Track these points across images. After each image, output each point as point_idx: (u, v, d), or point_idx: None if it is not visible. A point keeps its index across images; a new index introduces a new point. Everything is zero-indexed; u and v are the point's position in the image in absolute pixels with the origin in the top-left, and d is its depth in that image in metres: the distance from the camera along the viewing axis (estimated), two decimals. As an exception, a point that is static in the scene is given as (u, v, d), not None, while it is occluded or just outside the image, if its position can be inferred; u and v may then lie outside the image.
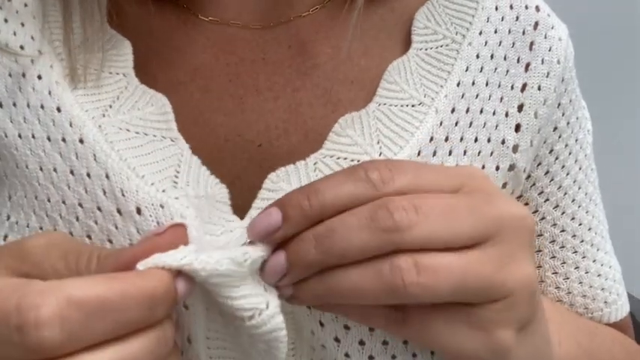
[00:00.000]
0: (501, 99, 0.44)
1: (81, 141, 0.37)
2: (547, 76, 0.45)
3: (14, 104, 0.38)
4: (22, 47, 0.39)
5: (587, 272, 0.50)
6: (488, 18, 0.45)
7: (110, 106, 0.37)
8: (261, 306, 0.29)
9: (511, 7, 0.46)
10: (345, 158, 0.39)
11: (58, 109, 0.37)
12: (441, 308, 0.30)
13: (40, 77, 0.38)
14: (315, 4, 0.42)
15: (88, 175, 0.36)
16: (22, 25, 0.39)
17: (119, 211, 0.35)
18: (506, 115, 0.44)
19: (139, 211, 0.35)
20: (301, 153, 0.39)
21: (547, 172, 0.48)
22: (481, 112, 0.43)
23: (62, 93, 0.38)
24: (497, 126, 0.44)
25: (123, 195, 0.35)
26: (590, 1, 1.28)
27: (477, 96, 0.43)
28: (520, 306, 0.31)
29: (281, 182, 0.37)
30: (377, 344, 0.37)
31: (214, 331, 0.36)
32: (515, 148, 0.44)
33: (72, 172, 0.36)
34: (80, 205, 0.36)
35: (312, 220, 0.29)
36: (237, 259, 0.29)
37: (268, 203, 0.32)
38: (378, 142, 0.40)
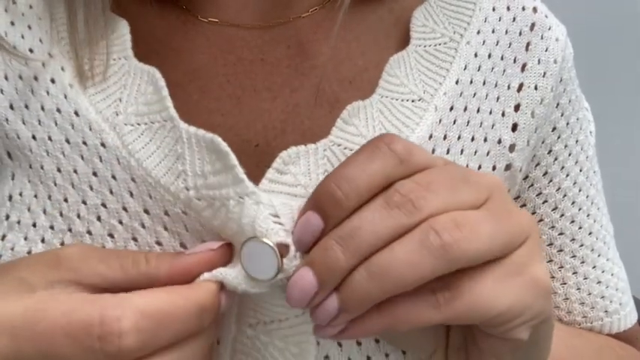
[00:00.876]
0: (498, 98, 0.44)
1: (103, 145, 0.37)
2: (543, 76, 0.45)
3: (26, 106, 0.38)
4: (31, 50, 0.39)
5: (585, 278, 0.49)
6: (485, 18, 0.44)
7: (120, 100, 0.38)
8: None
9: (508, 8, 0.45)
10: (352, 149, 0.38)
11: (76, 113, 0.38)
12: (481, 270, 0.29)
13: (53, 81, 0.38)
14: (313, 5, 0.42)
15: (114, 177, 0.37)
16: (29, 27, 0.39)
17: (146, 212, 0.37)
18: (503, 114, 0.44)
19: (166, 213, 0.36)
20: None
21: (545, 173, 0.47)
22: (478, 111, 0.43)
23: (77, 96, 0.38)
24: (493, 125, 0.43)
25: (150, 197, 0.36)
26: (590, 1, 1.28)
27: (475, 95, 0.43)
28: (537, 246, 0.31)
29: (290, 165, 0.36)
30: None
31: (243, 338, 0.37)
32: (511, 148, 0.44)
33: (95, 174, 0.37)
34: (104, 205, 0.37)
35: (351, 211, 0.29)
36: (277, 283, 0.31)
37: (275, 183, 0.35)
38: None
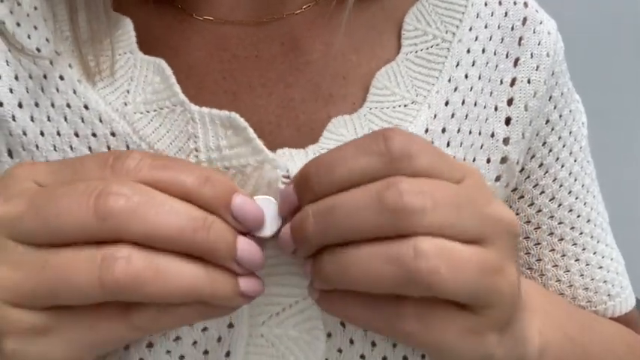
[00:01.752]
0: (491, 93, 0.45)
1: (113, 134, 0.39)
2: (536, 69, 0.46)
3: (36, 104, 0.40)
4: (38, 50, 0.40)
5: (587, 264, 0.50)
6: (477, 14, 0.45)
7: (128, 91, 0.39)
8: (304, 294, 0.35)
9: (500, 3, 0.46)
10: None
11: (86, 107, 0.39)
12: (440, 307, 0.29)
13: (62, 78, 0.40)
14: (307, 2, 0.43)
15: None
16: (35, 28, 0.41)
17: None
18: (496, 109, 0.45)
19: None
20: (293, 148, 0.39)
21: (541, 165, 0.48)
22: (475, 104, 0.44)
23: (86, 91, 0.39)
24: (487, 119, 0.44)
25: None
26: (591, 1, 1.29)
27: (471, 89, 0.44)
28: (507, 312, 0.31)
29: (287, 161, 0.37)
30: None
31: (256, 338, 0.38)
32: (505, 141, 0.45)
33: None
34: None
35: (322, 195, 0.29)
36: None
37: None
38: None
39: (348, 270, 0.28)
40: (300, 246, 0.30)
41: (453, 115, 0.43)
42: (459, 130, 0.43)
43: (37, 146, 0.39)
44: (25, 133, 0.39)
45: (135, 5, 0.42)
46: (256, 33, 0.42)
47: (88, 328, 0.28)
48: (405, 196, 0.26)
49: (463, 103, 0.43)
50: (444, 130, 0.42)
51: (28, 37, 0.40)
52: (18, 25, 0.41)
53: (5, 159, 0.40)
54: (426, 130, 0.42)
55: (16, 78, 0.40)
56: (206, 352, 0.38)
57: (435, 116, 0.42)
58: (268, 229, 0.31)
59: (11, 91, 0.40)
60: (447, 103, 0.43)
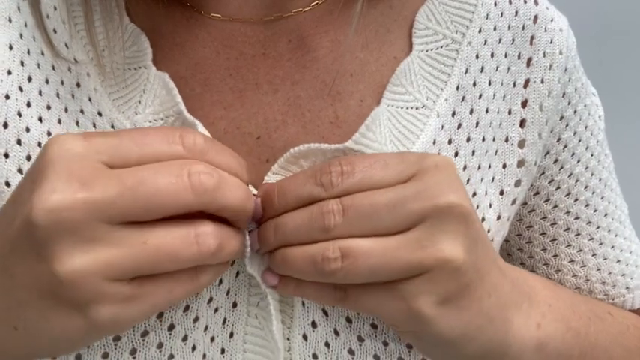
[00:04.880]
0: (504, 97, 0.45)
1: None
2: (550, 68, 0.46)
3: (48, 107, 0.41)
4: (58, 54, 0.42)
5: (605, 259, 0.50)
6: (487, 14, 0.45)
7: (139, 102, 0.41)
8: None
9: (510, 1, 0.46)
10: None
11: (99, 114, 0.41)
12: (371, 286, 0.36)
13: (79, 85, 0.42)
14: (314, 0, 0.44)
15: None
16: (55, 31, 0.42)
17: None
18: (509, 112, 0.45)
19: None
20: (299, 145, 0.40)
21: (556, 161, 0.48)
22: (486, 111, 0.44)
23: (101, 99, 0.41)
24: (500, 124, 0.45)
25: None
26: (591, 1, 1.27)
27: (481, 96, 0.44)
28: (440, 281, 0.35)
29: (301, 159, 0.40)
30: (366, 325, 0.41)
31: (252, 327, 0.41)
32: (521, 144, 0.45)
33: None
34: None
35: (278, 213, 0.37)
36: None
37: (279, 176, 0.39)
38: (391, 142, 0.41)
39: (288, 263, 0.36)
40: (262, 247, 0.38)
41: (459, 126, 0.43)
42: (468, 140, 0.43)
43: (39, 144, 0.41)
44: (28, 130, 0.41)
45: (144, 2, 0.43)
46: (263, 31, 0.42)
47: (167, 292, 0.33)
48: (325, 218, 0.35)
49: (471, 112, 0.44)
50: (450, 142, 0.43)
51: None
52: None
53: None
54: (434, 142, 0.42)
55: (29, 79, 0.41)
56: (212, 339, 0.40)
57: (443, 127, 0.43)
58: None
59: (21, 89, 0.41)
60: (453, 114, 0.43)
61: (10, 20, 0.42)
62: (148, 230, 0.31)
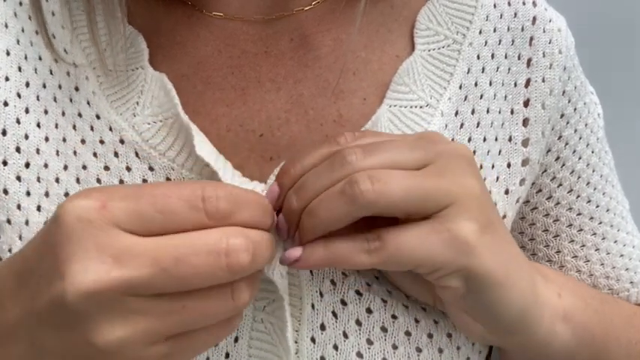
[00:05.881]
0: (505, 97, 0.45)
1: (121, 142, 0.41)
2: (550, 68, 0.46)
3: (45, 112, 0.41)
4: (55, 61, 0.42)
5: (608, 253, 0.50)
6: (487, 16, 0.46)
7: (137, 103, 0.41)
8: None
9: (509, 3, 0.47)
10: None
11: (97, 117, 0.41)
12: (409, 225, 0.34)
13: (77, 89, 0.42)
14: None
15: (128, 168, 0.41)
16: (54, 36, 0.42)
17: None
18: (512, 112, 0.46)
19: None
20: (302, 143, 0.41)
21: (558, 158, 0.49)
22: (487, 111, 0.45)
23: (99, 102, 0.41)
24: (503, 124, 0.45)
25: (168, 179, 0.40)
26: (591, 1, 1.28)
27: (482, 96, 0.45)
28: (471, 209, 0.34)
29: None
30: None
31: (257, 332, 0.40)
32: (525, 143, 0.46)
33: (107, 169, 0.41)
34: None
35: (297, 178, 0.35)
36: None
37: None
38: None
39: (319, 213, 0.34)
40: (290, 222, 0.35)
41: (461, 126, 0.44)
42: (469, 139, 0.44)
43: (37, 150, 0.41)
44: (26, 137, 0.41)
45: (145, 1, 0.43)
46: (265, 29, 0.43)
47: (201, 343, 0.33)
48: (347, 154, 0.34)
49: (473, 112, 0.44)
50: (452, 141, 0.43)
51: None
52: (36, 33, 0.42)
53: None
54: None
55: (27, 85, 0.42)
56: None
57: (446, 126, 0.43)
58: None
59: (19, 95, 0.41)
60: (456, 114, 0.44)
61: (6, 26, 0.42)
62: (184, 296, 0.30)
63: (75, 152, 0.41)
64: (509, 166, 0.45)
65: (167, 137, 0.40)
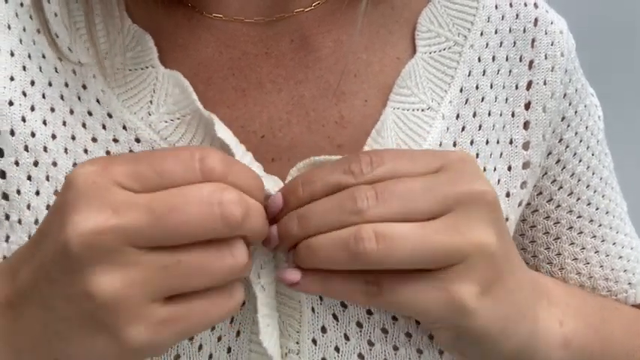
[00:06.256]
0: (506, 100, 0.46)
1: (137, 140, 0.41)
2: (552, 70, 0.46)
3: (52, 109, 0.41)
4: (60, 59, 0.42)
5: (607, 255, 0.51)
6: (488, 17, 0.46)
7: (151, 102, 0.41)
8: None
9: (510, 4, 0.47)
10: None
11: (109, 115, 0.41)
12: (409, 277, 0.34)
13: (85, 87, 0.42)
14: None
15: None
16: (57, 36, 0.42)
17: None
18: (513, 115, 0.46)
19: None
20: (304, 144, 0.41)
21: (558, 161, 0.49)
22: (489, 114, 0.45)
23: (110, 100, 0.41)
24: (504, 127, 0.45)
25: None
26: (590, 1, 1.28)
27: (483, 99, 0.45)
28: (479, 269, 0.34)
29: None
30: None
31: (265, 326, 0.40)
32: (525, 146, 0.46)
33: None
34: None
35: (303, 203, 0.36)
36: None
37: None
38: (397, 146, 0.42)
39: (315, 251, 0.34)
40: (283, 242, 0.36)
41: (463, 129, 0.44)
42: (472, 142, 0.44)
43: (45, 148, 0.41)
44: (33, 135, 0.41)
45: (144, 3, 0.43)
46: (265, 30, 0.43)
47: (203, 314, 0.32)
48: (358, 200, 0.34)
49: (474, 115, 0.44)
50: (454, 144, 0.43)
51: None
52: (38, 32, 0.42)
53: None
54: (440, 144, 0.43)
55: (32, 83, 0.42)
56: (219, 339, 0.40)
57: (448, 129, 0.43)
58: None
59: (24, 94, 0.41)
60: (457, 117, 0.44)
61: (9, 27, 0.42)
62: (180, 251, 0.31)
63: (86, 150, 0.41)
64: (509, 169, 0.45)
65: (186, 134, 0.40)
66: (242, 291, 0.34)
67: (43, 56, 0.42)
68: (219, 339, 0.40)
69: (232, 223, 0.31)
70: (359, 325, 0.41)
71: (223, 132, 0.38)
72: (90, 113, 0.41)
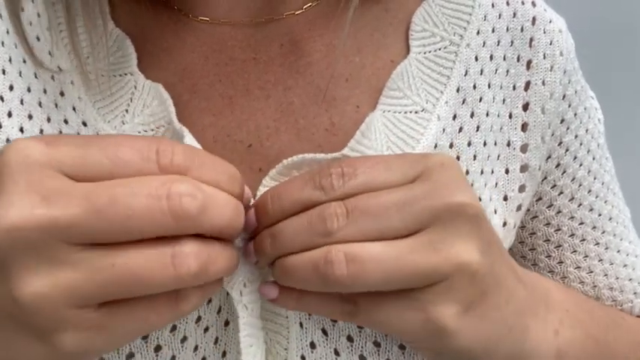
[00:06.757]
0: (504, 100, 0.44)
1: None
2: (551, 70, 0.45)
3: (30, 116, 0.40)
4: (40, 64, 0.40)
5: (611, 264, 0.49)
6: (485, 16, 0.44)
7: (127, 111, 0.39)
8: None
9: (507, 3, 0.45)
10: None
11: (84, 124, 0.39)
12: (385, 296, 0.33)
13: (62, 94, 0.40)
14: (307, 2, 0.42)
15: None
16: (38, 39, 0.41)
17: None
18: (510, 116, 0.44)
19: None
20: (293, 153, 0.38)
21: (558, 165, 0.47)
22: (487, 115, 0.43)
23: (85, 108, 0.40)
24: (501, 128, 0.44)
25: None
26: (590, 1, 1.28)
27: (481, 99, 0.43)
28: (460, 288, 0.33)
29: (294, 170, 0.38)
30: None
31: (247, 346, 0.38)
32: (523, 148, 0.44)
33: None
34: None
35: (274, 220, 0.34)
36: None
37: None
38: (388, 149, 0.40)
39: (287, 273, 0.33)
40: (260, 259, 0.35)
41: (460, 130, 0.42)
42: (469, 144, 0.42)
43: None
44: (8, 141, 0.39)
45: (128, 6, 0.41)
46: (254, 34, 0.41)
47: (142, 320, 0.30)
48: (327, 221, 0.32)
49: (472, 115, 0.43)
50: (451, 146, 0.42)
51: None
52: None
53: None
54: (435, 146, 0.41)
55: (11, 88, 0.40)
56: (206, 329, 0.39)
57: (444, 130, 0.42)
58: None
59: (2, 99, 0.40)
60: (454, 117, 0.42)
61: None
62: (116, 252, 0.28)
63: None
64: (507, 172, 0.44)
65: None
66: (194, 299, 0.31)
67: (24, 61, 0.41)
68: (206, 330, 0.38)
69: (183, 218, 0.28)
70: (350, 339, 0.39)
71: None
72: (66, 121, 0.40)
